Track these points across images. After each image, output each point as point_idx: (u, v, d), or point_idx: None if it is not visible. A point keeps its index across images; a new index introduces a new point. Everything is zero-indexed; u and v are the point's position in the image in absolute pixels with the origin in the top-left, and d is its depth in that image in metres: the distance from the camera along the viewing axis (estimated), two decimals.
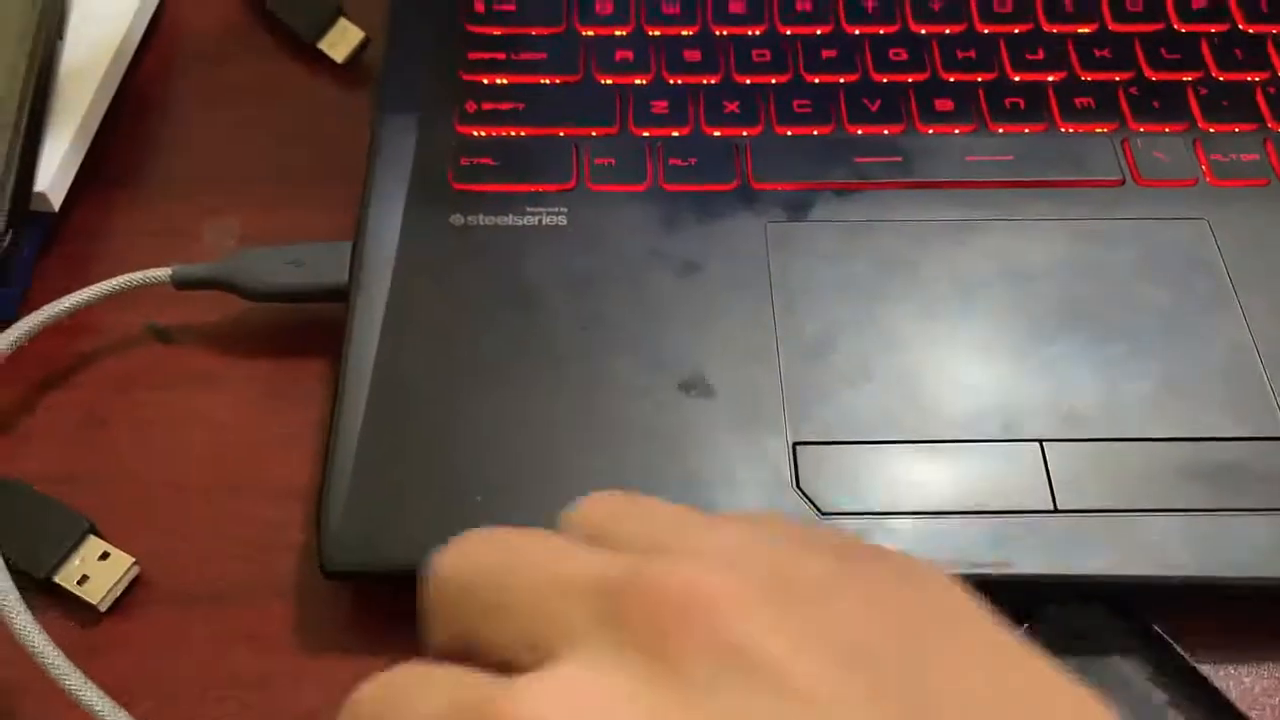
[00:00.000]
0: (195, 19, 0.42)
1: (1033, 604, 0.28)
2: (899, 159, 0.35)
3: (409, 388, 0.30)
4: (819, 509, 0.28)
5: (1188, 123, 0.36)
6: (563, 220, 0.34)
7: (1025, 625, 0.28)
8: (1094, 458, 0.29)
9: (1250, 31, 0.38)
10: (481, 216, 0.34)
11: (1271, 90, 0.37)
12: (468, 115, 0.36)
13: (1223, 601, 0.29)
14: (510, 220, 0.34)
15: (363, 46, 0.40)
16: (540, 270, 0.33)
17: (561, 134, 0.36)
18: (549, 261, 0.33)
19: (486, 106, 0.36)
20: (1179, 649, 0.28)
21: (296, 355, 0.34)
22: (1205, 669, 0.28)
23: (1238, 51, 0.38)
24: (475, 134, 0.36)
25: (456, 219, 0.34)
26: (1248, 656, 0.29)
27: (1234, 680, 0.29)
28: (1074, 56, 0.37)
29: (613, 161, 0.35)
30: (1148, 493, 0.29)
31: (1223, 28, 0.38)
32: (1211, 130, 0.36)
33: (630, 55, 0.37)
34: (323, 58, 0.40)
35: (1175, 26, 0.38)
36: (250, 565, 0.30)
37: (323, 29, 0.40)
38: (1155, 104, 0.36)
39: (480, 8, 0.38)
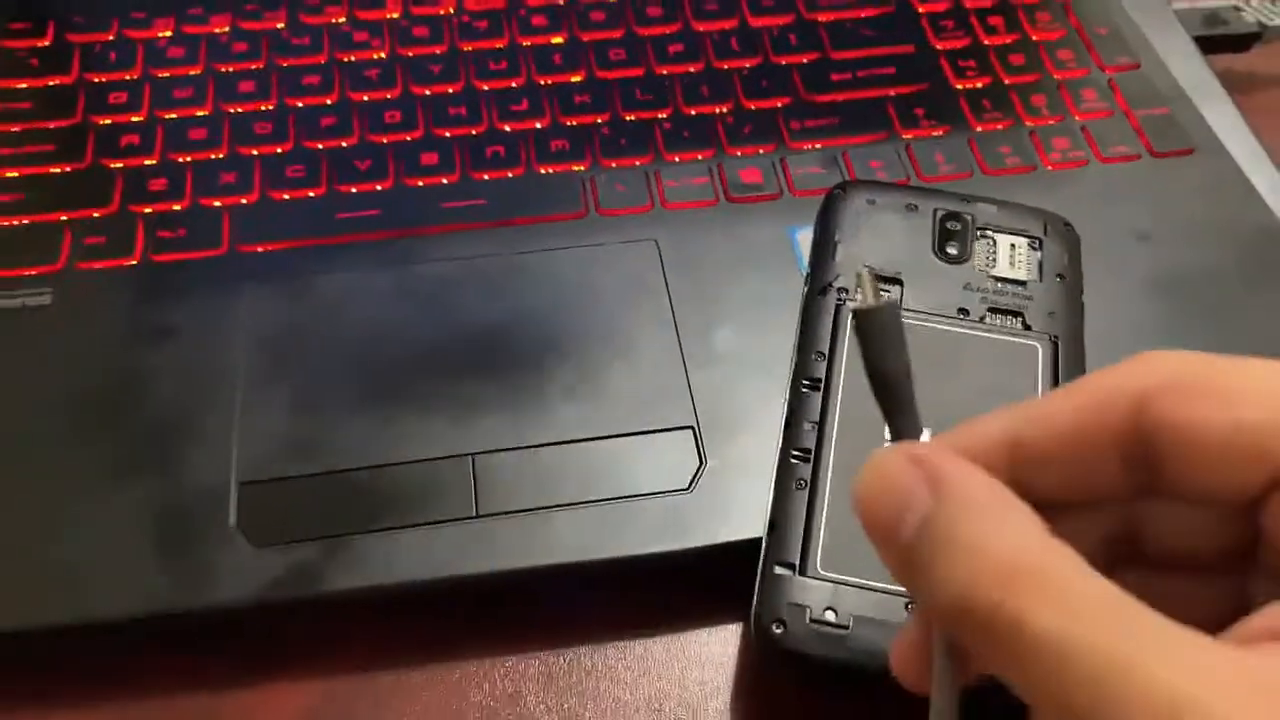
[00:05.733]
0: None
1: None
2: (378, 211, 0.38)
3: None
4: (254, 542, 0.30)
5: (651, 155, 0.40)
6: (46, 300, 0.35)
7: None
8: (518, 464, 0.32)
9: (719, 68, 0.43)
10: None
11: (730, 120, 0.41)
12: None
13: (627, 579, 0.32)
14: None
15: None
16: (19, 352, 0.34)
17: (61, 218, 0.37)
18: (29, 341, 0.34)
19: None
20: None
21: None
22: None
23: (704, 88, 0.42)
24: None
25: None
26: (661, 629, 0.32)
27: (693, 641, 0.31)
28: (555, 104, 0.41)
29: (103, 240, 0.37)
30: (559, 489, 0.32)
31: (697, 67, 0.43)
32: (674, 160, 0.40)
33: (136, 139, 0.40)
34: None
35: (654, 69, 0.43)
36: None
37: None
38: (623, 141, 0.40)
39: None
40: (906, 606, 0.29)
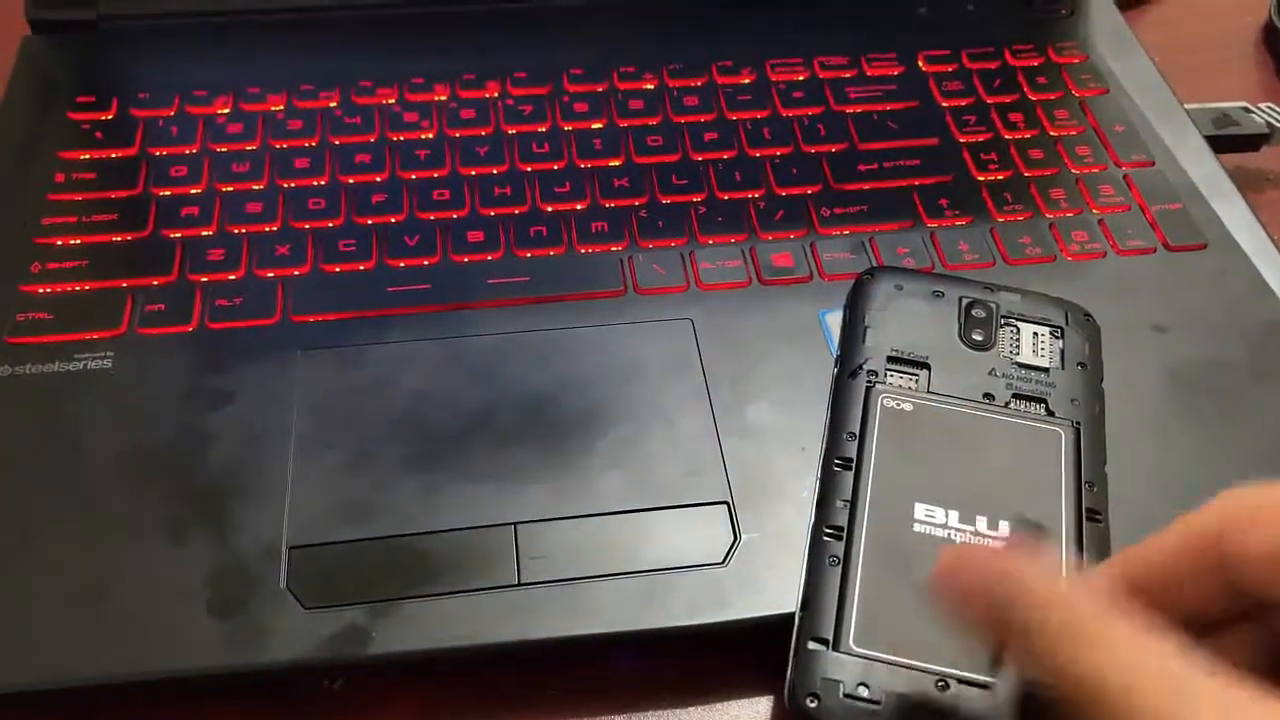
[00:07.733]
0: None
1: None
2: (427, 286, 0.40)
3: None
4: (303, 604, 0.31)
5: (687, 237, 0.42)
6: (108, 364, 0.37)
7: None
8: (559, 534, 0.33)
9: (752, 155, 0.45)
10: (29, 366, 0.36)
11: (762, 205, 0.43)
12: (32, 275, 0.39)
13: (662, 649, 0.33)
14: (55, 367, 0.37)
15: None
16: (82, 412, 0.36)
17: (123, 285, 0.39)
18: (91, 402, 0.36)
19: (51, 266, 0.39)
20: None
21: None
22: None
23: (737, 174, 0.44)
24: (39, 291, 0.39)
25: (3, 370, 0.36)
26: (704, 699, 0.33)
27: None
28: (595, 186, 0.43)
29: (163, 307, 0.38)
30: (599, 560, 0.33)
31: (731, 154, 0.45)
32: (709, 243, 0.42)
33: (196, 211, 0.42)
34: None
35: (690, 156, 0.45)
36: None
37: None
38: (660, 224, 0.42)
39: (60, 178, 0.42)
40: (936, 684, 0.30)
